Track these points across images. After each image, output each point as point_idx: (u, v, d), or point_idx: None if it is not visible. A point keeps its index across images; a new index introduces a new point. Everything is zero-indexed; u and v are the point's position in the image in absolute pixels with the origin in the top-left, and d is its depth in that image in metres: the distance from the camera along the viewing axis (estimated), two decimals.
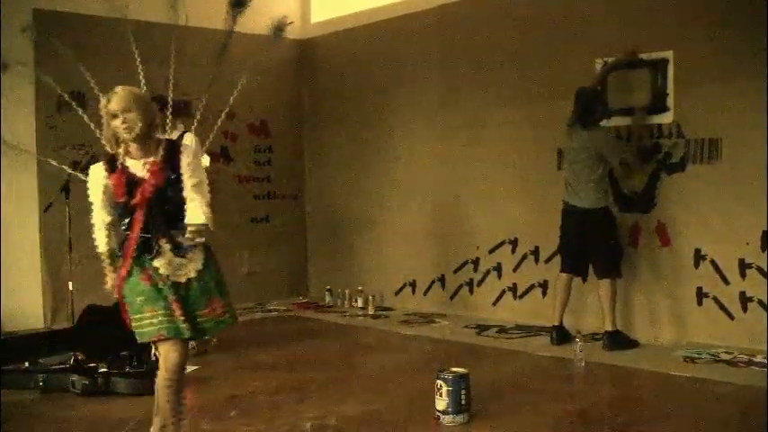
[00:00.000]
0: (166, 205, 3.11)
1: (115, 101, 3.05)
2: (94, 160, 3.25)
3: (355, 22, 7.69)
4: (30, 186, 6.55)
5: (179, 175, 3.12)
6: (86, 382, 4.44)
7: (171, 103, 3.70)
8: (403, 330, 6.42)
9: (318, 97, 8.25)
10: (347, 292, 7.60)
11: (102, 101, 3.10)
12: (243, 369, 5.12)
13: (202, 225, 3.07)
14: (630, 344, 5.44)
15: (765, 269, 5.19)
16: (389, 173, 7.48)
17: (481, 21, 6.71)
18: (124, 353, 4.65)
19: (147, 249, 3.11)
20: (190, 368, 4.74)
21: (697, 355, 5.14)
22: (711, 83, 5.39)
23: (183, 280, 3.13)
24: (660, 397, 4.36)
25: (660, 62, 5.60)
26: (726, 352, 5.16)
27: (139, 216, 3.09)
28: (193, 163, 3.16)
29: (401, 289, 7.42)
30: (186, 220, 3.09)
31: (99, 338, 4.85)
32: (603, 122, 5.64)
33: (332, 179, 8.12)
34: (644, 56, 5.65)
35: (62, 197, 5.83)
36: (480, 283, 6.80)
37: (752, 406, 4.11)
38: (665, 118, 5.61)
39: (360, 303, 7.38)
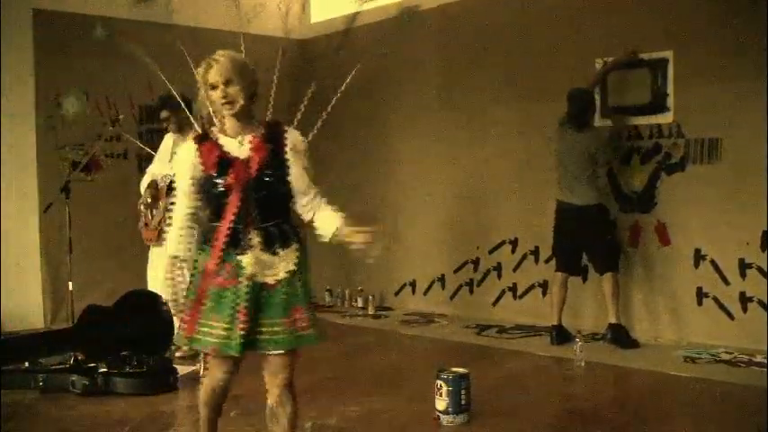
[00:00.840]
0: (261, 192, 2.68)
1: (215, 70, 2.65)
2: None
3: (355, 22, 7.67)
4: (30, 186, 6.54)
5: (281, 161, 2.73)
6: (86, 382, 4.43)
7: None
8: (403, 330, 6.42)
9: (319, 97, 8.22)
10: (347, 292, 7.59)
11: (201, 67, 2.70)
12: (243, 369, 5.08)
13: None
14: (631, 343, 5.44)
15: (765, 269, 5.19)
16: (389, 173, 7.47)
17: (481, 20, 6.69)
18: (124, 353, 4.65)
19: (233, 242, 2.67)
20: (188, 369, 4.75)
21: (697, 355, 5.13)
22: (711, 83, 5.38)
23: (271, 281, 2.69)
24: (660, 397, 4.36)
25: (660, 62, 5.60)
26: (726, 352, 5.16)
27: (235, 200, 2.64)
28: (303, 152, 2.82)
29: (401, 289, 7.41)
30: (321, 229, 2.85)
31: (99, 338, 4.85)
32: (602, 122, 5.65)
33: (331, 179, 8.08)
34: (644, 56, 5.66)
35: (62, 197, 5.81)
36: (480, 283, 6.80)
37: (752, 406, 4.10)
38: (665, 118, 5.61)
39: (360, 303, 7.38)
